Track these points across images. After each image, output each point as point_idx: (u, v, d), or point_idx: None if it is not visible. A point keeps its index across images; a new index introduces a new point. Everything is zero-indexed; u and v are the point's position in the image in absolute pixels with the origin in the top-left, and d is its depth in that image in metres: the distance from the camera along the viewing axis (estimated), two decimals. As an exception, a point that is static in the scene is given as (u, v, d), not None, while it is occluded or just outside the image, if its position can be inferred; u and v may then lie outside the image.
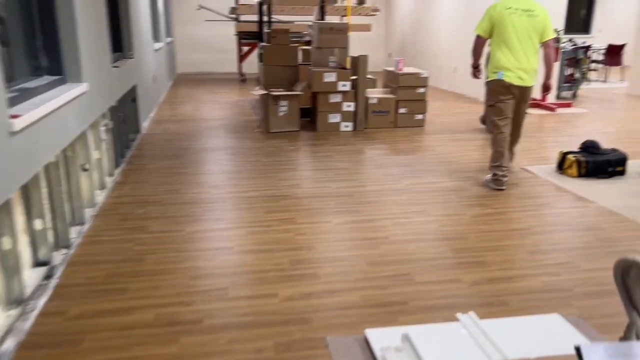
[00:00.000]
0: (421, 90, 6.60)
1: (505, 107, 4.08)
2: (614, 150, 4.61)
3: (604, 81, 11.24)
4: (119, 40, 5.57)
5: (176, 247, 3.06)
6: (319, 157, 5.17)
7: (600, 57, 11.43)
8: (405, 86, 6.54)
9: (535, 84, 4.16)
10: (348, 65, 6.34)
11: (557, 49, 7.65)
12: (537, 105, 7.98)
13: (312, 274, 2.75)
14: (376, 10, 11.11)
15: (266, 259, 2.92)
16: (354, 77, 6.35)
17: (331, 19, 10.88)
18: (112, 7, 5.40)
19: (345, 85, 6.23)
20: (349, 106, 6.35)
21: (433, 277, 2.73)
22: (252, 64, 12.10)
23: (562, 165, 4.60)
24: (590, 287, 2.64)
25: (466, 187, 4.24)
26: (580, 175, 4.48)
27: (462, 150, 5.45)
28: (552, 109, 7.71)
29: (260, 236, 3.23)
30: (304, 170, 4.68)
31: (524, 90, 4.09)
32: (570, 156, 4.53)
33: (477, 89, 8.81)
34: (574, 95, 9.07)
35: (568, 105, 8.04)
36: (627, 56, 11.61)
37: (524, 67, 4.02)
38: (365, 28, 10.90)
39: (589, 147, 4.60)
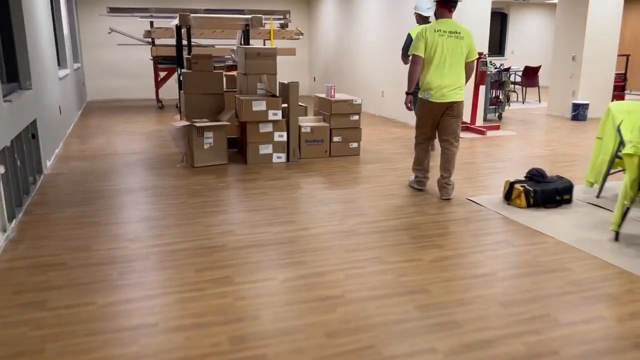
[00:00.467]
0: (355, 117, 6.30)
1: (428, 122, 4.52)
2: (560, 178, 4.48)
3: (522, 102, 11.59)
4: (14, 69, 4.82)
5: (85, 329, 2.45)
6: (253, 194, 4.68)
7: (518, 79, 11.80)
8: (339, 114, 6.21)
9: (464, 99, 4.47)
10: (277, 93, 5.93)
11: (484, 72, 7.68)
12: (467, 128, 7.95)
13: (260, 355, 2.25)
14: (300, 33, 10.84)
15: (200, 338, 2.38)
16: (285, 105, 5.94)
17: (254, 42, 10.45)
18: (4, 32, 4.67)
19: (276, 114, 5.79)
20: (280, 136, 5.92)
21: (403, 347, 2.31)
22: (170, 89, 11.41)
23: (509, 196, 4.40)
24: (577, 347, 2.33)
25: (416, 223, 3.91)
26: (529, 205, 4.29)
27: (402, 179, 5.16)
28: (482, 132, 7.69)
29: (192, 305, 2.68)
30: (237, 212, 4.17)
31: (454, 106, 4.40)
32: (517, 186, 4.35)
33: (407, 113, 8.68)
34: (499, 117, 9.19)
35: (497, 128, 8.08)
36: (541, 77, 12.08)
37: (454, 85, 4.35)
38: (290, 52, 10.59)
39: (535, 176, 4.44)
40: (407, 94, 4.55)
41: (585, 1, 8.82)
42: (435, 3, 4.44)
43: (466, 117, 8.22)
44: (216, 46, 10.72)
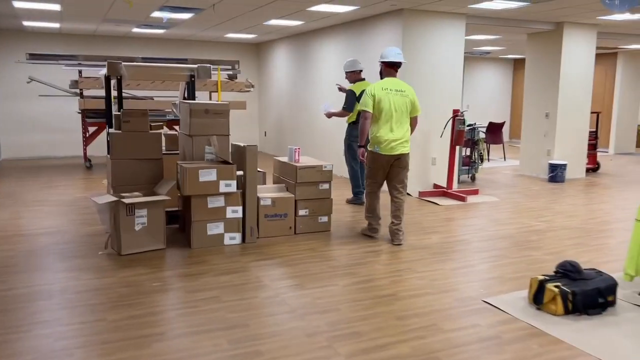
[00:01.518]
0: (325, 186, 5.23)
1: (378, 173, 4.85)
2: (599, 274, 3.53)
3: (487, 160, 10.97)
4: None
5: None
6: (200, 301, 3.45)
7: (482, 135, 11.22)
8: (306, 182, 5.14)
9: (409, 151, 4.86)
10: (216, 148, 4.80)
11: (461, 131, 6.88)
12: (444, 194, 7.05)
13: None
14: (250, 85, 9.84)
15: None
16: (240, 173, 4.81)
17: (199, 96, 9.35)
18: None
19: (229, 186, 4.64)
20: (234, 212, 4.75)
21: None
22: (101, 145, 10.00)
23: (539, 298, 3.40)
24: None
25: (433, 349, 2.81)
26: (567, 311, 3.30)
27: (391, 269, 4.08)
28: (462, 198, 6.81)
29: None
30: (178, 337, 2.92)
31: (401, 158, 4.79)
32: (550, 286, 3.35)
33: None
34: (473, 179, 8.41)
35: (475, 192, 7.24)
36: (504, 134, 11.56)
37: (401, 138, 4.73)
38: (241, 106, 9.54)
39: (570, 272, 3.47)
40: (359, 146, 4.97)
41: (557, 57, 8.34)
42: (381, 63, 4.89)
43: (441, 180, 7.37)
44: (155, 98, 9.53)
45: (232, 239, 4.78)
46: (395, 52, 4.83)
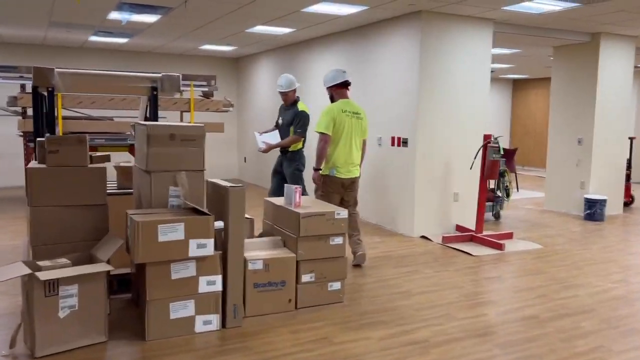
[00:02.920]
0: (337, 240, 3.78)
1: (333, 197, 4.61)
2: None
3: (517, 190, 9.65)
4: None
5: None
6: None
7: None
8: (312, 236, 3.68)
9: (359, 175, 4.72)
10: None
11: (495, 162, 5.54)
12: (473, 238, 5.67)
13: None
14: (230, 105, 8.38)
15: None
16: (220, 226, 3.34)
17: (169, 116, 7.85)
18: None
19: (203, 247, 3.15)
20: (211, 284, 3.25)
21: None
22: (49, 175, 8.33)
23: None
24: None
25: None
26: None
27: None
28: (498, 246, 5.42)
29: None
30: None
31: (356, 181, 4.73)
32: None
33: (396, 217, 6.37)
34: (497, 217, 7.06)
35: (509, 237, 5.87)
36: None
37: (355, 161, 4.68)
38: (218, 128, 8.02)
39: None
40: (315, 170, 4.64)
41: (592, 74, 7.13)
42: (332, 87, 4.71)
43: (466, 220, 6.01)
44: (116, 119, 7.98)
45: (207, 323, 3.27)
46: (342, 72, 4.71)
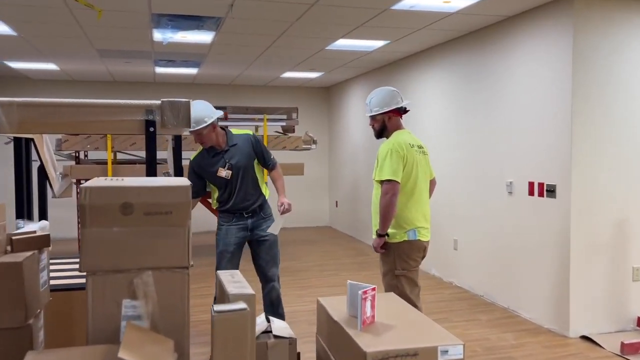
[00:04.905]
0: (444, 403, 1.94)
1: (417, 274, 3.26)
2: None
3: None
4: None
5: None
6: None
7: None
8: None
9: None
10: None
11: None
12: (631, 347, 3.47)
13: None
14: (312, 141, 6.87)
15: None
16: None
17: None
18: None
19: None
20: None
21: None
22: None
23: None
24: None
25: None
26: None
27: None
28: None
29: None
30: None
31: (428, 245, 3.34)
32: None
33: (513, 292, 4.38)
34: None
35: None
36: None
37: (429, 217, 3.33)
38: (297, 170, 6.60)
39: None
40: (379, 235, 3.17)
41: None
42: (388, 112, 3.24)
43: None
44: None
45: None
46: (396, 92, 3.34)
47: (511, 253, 4.51)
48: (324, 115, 9.43)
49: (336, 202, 9.06)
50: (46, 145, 3.54)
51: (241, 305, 1.75)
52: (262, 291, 3.58)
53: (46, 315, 2.17)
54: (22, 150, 3.20)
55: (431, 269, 5.80)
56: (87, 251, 1.78)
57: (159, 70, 7.23)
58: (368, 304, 2.14)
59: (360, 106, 8.03)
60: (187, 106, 2.74)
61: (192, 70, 7.30)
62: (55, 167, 3.75)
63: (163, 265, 1.86)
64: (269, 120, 6.53)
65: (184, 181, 1.99)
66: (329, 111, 9.39)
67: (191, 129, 3.30)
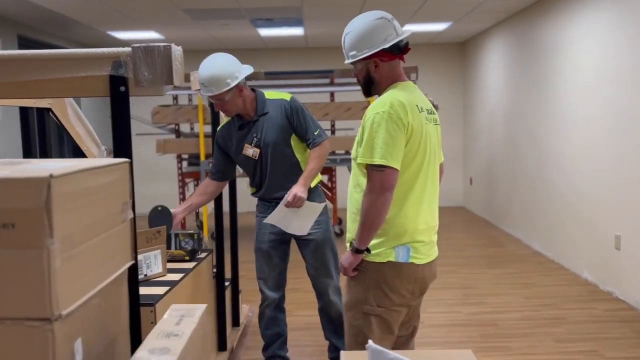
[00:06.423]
0: None
1: (399, 317, 1.98)
2: None
3: None
4: None
5: None
6: None
7: None
8: None
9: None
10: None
11: None
12: None
13: None
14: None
15: None
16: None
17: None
18: None
19: None
20: None
21: None
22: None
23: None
24: None
25: None
26: None
27: None
28: None
29: None
30: None
31: (434, 269, 2.05)
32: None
33: None
34: None
35: None
36: None
37: (436, 224, 2.07)
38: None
39: None
40: (357, 251, 1.91)
41: None
42: (380, 52, 1.90)
43: None
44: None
45: None
46: (388, 20, 1.95)
47: None
48: (458, 77, 8.05)
49: (470, 178, 7.73)
50: (76, 114, 3.01)
51: None
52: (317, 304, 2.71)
53: None
54: (31, 123, 2.69)
55: (583, 270, 4.38)
56: None
57: (264, 32, 6.58)
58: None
59: (496, 63, 6.59)
60: (167, 53, 1.92)
61: (299, 31, 6.53)
62: (97, 142, 3.22)
63: (6, 316, 1.10)
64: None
65: (53, 167, 1.16)
66: (463, 72, 7.99)
67: (210, 94, 2.47)
